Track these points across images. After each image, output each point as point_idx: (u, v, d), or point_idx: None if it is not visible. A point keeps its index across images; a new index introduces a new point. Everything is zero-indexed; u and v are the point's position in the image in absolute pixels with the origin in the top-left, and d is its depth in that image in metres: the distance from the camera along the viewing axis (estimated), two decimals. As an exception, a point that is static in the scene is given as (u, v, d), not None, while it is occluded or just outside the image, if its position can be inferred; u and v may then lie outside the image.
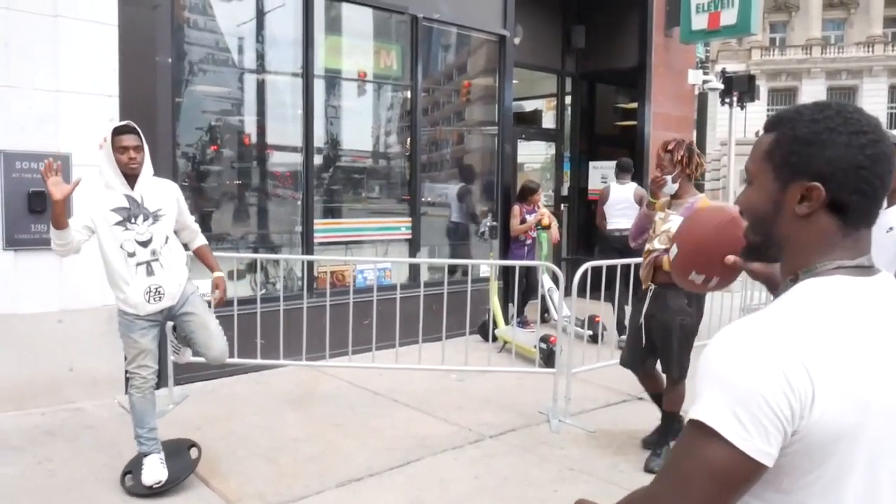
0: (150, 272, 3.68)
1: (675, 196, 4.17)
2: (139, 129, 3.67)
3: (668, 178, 4.09)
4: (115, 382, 5.12)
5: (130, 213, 3.64)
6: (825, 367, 0.98)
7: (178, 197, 3.89)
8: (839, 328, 1.03)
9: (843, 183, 1.07)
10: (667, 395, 4.32)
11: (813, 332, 1.01)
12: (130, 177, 3.64)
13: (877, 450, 1.04)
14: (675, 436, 4.03)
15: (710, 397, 1.00)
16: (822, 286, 1.08)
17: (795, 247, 1.13)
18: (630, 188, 7.60)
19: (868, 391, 1.01)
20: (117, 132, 3.59)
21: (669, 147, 4.12)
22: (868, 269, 1.11)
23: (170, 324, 4.03)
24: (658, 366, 4.39)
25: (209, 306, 4.03)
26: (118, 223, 3.62)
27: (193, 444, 4.00)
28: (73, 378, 4.97)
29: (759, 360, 0.98)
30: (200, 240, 4.12)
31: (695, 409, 1.01)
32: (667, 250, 3.62)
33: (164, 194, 3.79)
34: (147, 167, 3.71)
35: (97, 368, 5.06)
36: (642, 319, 4.24)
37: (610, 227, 7.49)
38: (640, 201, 7.26)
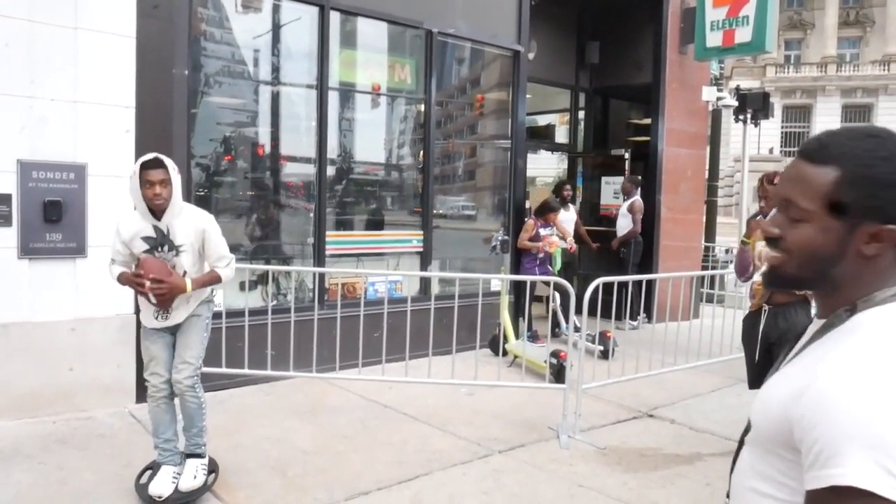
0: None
1: None
2: (167, 163, 3.60)
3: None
4: (127, 391, 5.15)
5: (157, 242, 3.69)
6: None
7: (206, 229, 3.75)
8: None
9: None
10: None
11: None
12: (159, 210, 3.63)
13: None
14: None
15: (851, 456, 0.92)
16: (893, 315, 1.04)
17: (853, 283, 1.09)
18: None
19: None
20: (144, 167, 3.55)
21: (775, 180, 4.19)
22: None
23: None
24: None
25: (205, 329, 3.92)
26: (146, 251, 3.69)
27: (214, 470, 4.00)
28: (85, 386, 5.00)
29: (892, 407, 0.91)
30: (222, 269, 3.80)
31: (834, 472, 0.93)
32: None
33: (190, 228, 3.71)
34: (176, 198, 3.64)
35: (109, 377, 5.09)
36: (760, 339, 4.20)
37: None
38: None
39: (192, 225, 3.74)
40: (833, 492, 0.92)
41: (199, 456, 3.92)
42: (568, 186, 8.97)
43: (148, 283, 3.52)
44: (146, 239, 3.68)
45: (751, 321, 4.31)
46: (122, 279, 3.71)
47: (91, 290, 4.99)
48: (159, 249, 3.70)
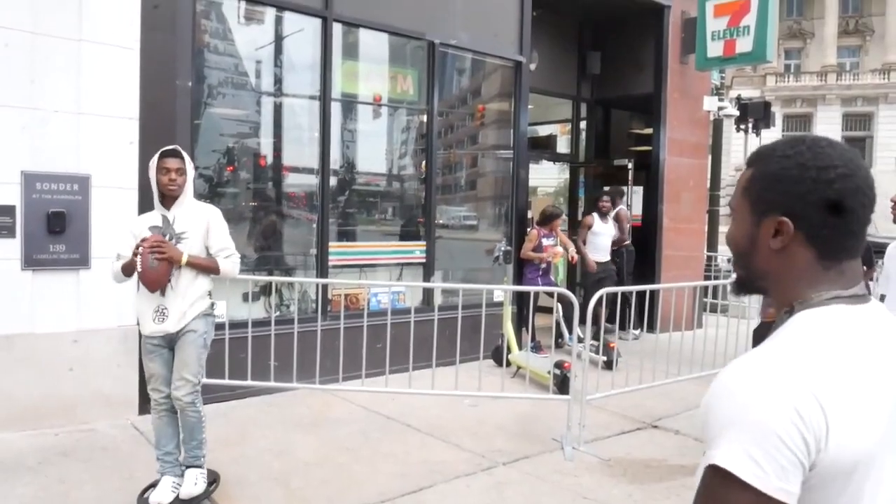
0: (161, 292, 3.73)
1: None
2: (184, 154, 3.82)
3: None
4: (130, 402, 5.14)
5: (161, 232, 3.76)
6: (836, 398, 0.98)
7: (210, 220, 3.85)
8: (844, 358, 1.03)
9: (811, 218, 1.09)
10: None
11: (820, 363, 1.01)
12: (170, 198, 3.78)
13: (879, 478, 1.04)
14: None
15: (722, 440, 0.98)
16: (821, 317, 1.08)
17: (778, 280, 1.15)
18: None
19: (876, 419, 1.02)
20: (163, 155, 3.76)
21: None
22: (862, 298, 1.12)
23: None
24: None
25: (203, 345, 3.90)
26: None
27: (215, 480, 4.03)
28: (88, 398, 4.98)
29: (768, 397, 0.97)
30: (223, 260, 3.86)
31: (709, 454, 1.00)
32: None
33: (195, 218, 3.82)
34: (188, 189, 3.82)
35: (111, 388, 5.08)
36: None
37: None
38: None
39: (196, 214, 3.84)
40: (709, 470, 1.00)
41: (198, 467, 3.93)
42: (606, 198, 8.61)
43: (145, 248, 3.61)
44: (152, 228, 3.79)
45: (764, 331, 4.29)
46: (125, 264, 3.75)
47: (94, 301, 4.98)
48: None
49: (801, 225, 1.10)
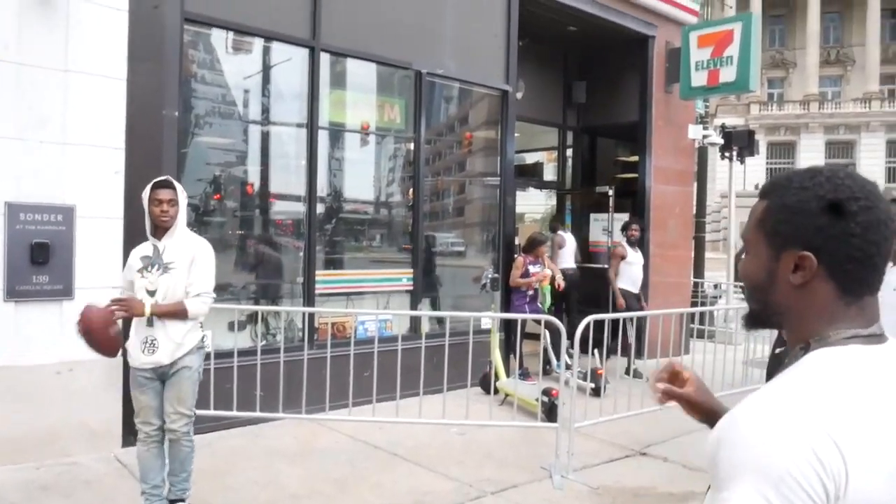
0: (149, 322, 3.72)
1: None
2: (176, 185, 3.83)
3: None
4: (114, 435, 5.07)
5: (150, 262, 3.77)
6: (855, 441, 0.94)
7: (197, 254, 3.81)
8: (863, 400, 0.99)
9: (835, 252, 1.05)
10: None
11: (838, 405, 0.97)
12: (162, 228, 3.79)
13: None
14: None
15: (738, 483, 0.94)
16: (839, 357, 1.04)
17: (797, 316, 1.11)
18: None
19: (893, 467, 0.97)
20: (155, 186, 3.77)
21: None
22: (880, 338, 1.08)
23: None
24: None
25: (197, 380, 3.91)
26: (139, 270, 3.79)
27: None
28: (71, 430, 4.91)
29: (786, 441, 0.93)
30: (191, 301, 3.75)
31: (722, 496, 0.96)
32: None
33: (184, 249, 3.80)
34: (180, 220, 3.82)
35: (95, 421, 5.00)
36: None
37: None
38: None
39: (186, 246, 3.82)
40: None
41: (184, 501, 3.87)
42: (635, 226, 8.38)
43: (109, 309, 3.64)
44: (143, 258, 3.80)
45: (780, 359, 4.20)
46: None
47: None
48: (149, 269, 3.76)
49: (822, 259, 1.06)
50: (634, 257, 8.27)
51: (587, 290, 9.37)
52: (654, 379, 1.55)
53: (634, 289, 8.24)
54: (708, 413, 1.50)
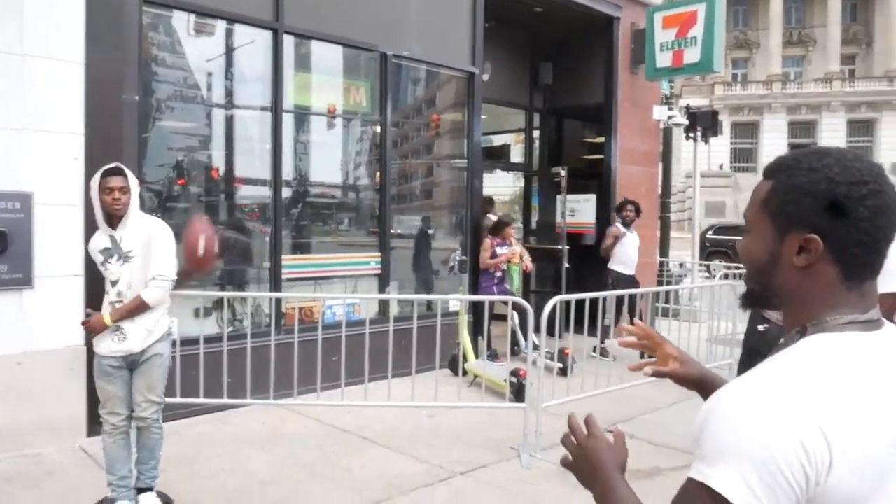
0: (116, 328, 3.68)
1: None
2: (127, 171, 3.74)
3: None
4: (78, 426, 5.00)
5: (110, 253, 3.71)
6: (842, 432, 0.95)
7: (153, 235, 3.72)
8: (855, 389, 0.99)
9: (842, 236, 1.04)
10: None
11: (830, 394, 0.97)
12: (116, 217, 3.70)
13: None
14: None
15: (721, 462, 0.96)
16: (835, 343, 1.05)
17: (797, 299, 1.11)
18: None
19: (883, 455, 0.99)
20: (105, 174, 3.67)
21: None
22: (876, 323, 1.09)
23: None
24: None
25: (167, 367, 3.89)
26: (101, 263, 3.74)
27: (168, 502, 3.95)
28: (33, 422, 4.83)
29: (775, 427, 0.94)
30: (147, 290, 3.69)
31: (703, 471, 0.98)
32: None
33: (140, 235, 3.72)
34: (133, 207, 3.73)
35: (59, 411, 4.93)
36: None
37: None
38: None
39: (142, 231, 3.73)
40: (698, 487, 0.98)
41: (151, 489, 3.86)
42: (630, 206, 8.31)
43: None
44: (102, 251, 3.74)
45: (760, 338, 4.16)
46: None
47: (39, 322, 4.85)
48: (109, 261, 3.71)
49: (829, 242, 1.05)
50: (629, 238, 8.23)
51: (541, 271, 9.45)
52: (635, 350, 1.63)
53: (628, 270, 8.21)
54: (698, 382, 1.53)
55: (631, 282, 8.13)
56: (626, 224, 8.26)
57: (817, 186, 1.05)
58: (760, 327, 4.02)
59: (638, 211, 8.43)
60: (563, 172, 9.05)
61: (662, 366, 1.58)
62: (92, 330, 3.71)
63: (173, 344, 4.00)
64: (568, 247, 8.88)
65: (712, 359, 7.02)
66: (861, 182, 1.04)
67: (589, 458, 1.32)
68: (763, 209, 1.12)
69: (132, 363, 3.74)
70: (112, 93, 5.18)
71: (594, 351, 7.61)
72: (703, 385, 1.51)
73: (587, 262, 9.34)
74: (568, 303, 5.57)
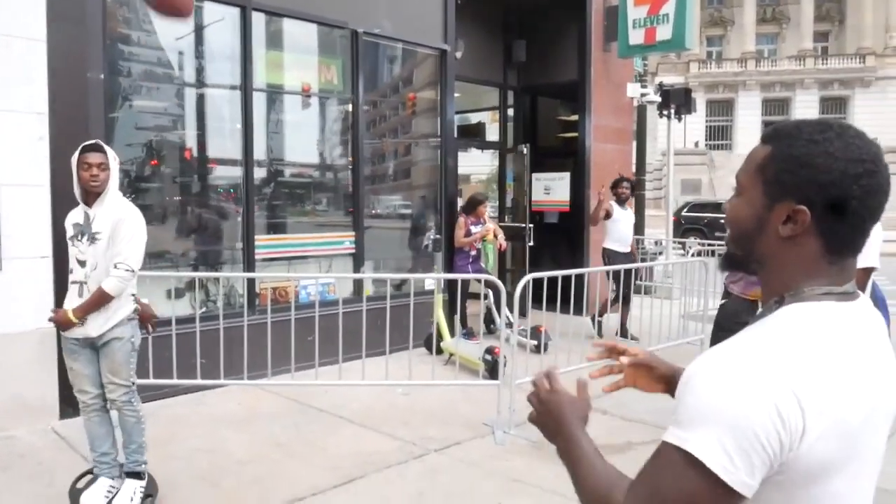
0: (80, 293, 3.64)
1: None
2: (107, 148, 3.68)
3: None
4: (50, 408, 4.96)
5: (80, 230, 3.65)
6: (816, 399, 0.97)
7: (121, 220, 3.63)
8: (829, 359, 1.01)
9: (831, 211, 1.05)
10: None
11: (805, 362, 0.99)
12: (93, 194, 3.64)
13: (852, 486, 1.05)
14: None
15: (698, 426, 0.97)
16: (812, 313, 1.06)
17: (778, 267, 1.11)
18: None
19: (856, 423, 1.01)
20: (84, 149, 3.63)
21: None
22: (852, 295, 1.10)
23: None
24: None
25: (131, 350, 3.78)
26: (70, 238, 3.69)
27: (151, 494, 3.89)
28: (5, 404, 4.78)
29: (751, 393, 0.95)
30: (108, 280, 3.58)
31: (680, 435, 0.99)
32: None
33: (110, 217, 3.63)
34: (111, 186, 3.67)
35: (30, 393, 4.89)
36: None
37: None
38: None
39: (112, 214, 3.65)
40: (673, 450, 0.99)
41: (139, 476, 3.82)
42: (626, 184, 8.20)
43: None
44: (74, 225, 3.68)
45: (738, 308, 4.18)
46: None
47: (8, 303, 4.79)
48: (79, 238, 3.65)
49: (815, 216, 1.05)
50: (622, 215, 8.09)
51: (516, 250, 9.45)
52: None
53: (622, 247, 8.08)
54: (669, 384, 1.53)
55: (626, 259, 8.04)
56: (621, 201, 8.16)
57: (815, 159, 1.05)
58: (721, 301, 4.09)
59: (633, 188, 8.39)
60: (525, 150, 9.05)
61: (628, 378, 1.67)
62: (58, 326, 3.69)
63: (143, 326, 3.94)
64: (531, 224, 8.90)
65: (685, 334, 7.11)
66: (859, 160, 1.04)
67: (552, 413, 1.34)
68: (757, 174, 1.11)
69: (92, 344, 3.70)
70: (76, 71, 5.08)
71: (593, 325, 7.81)
72: (675, 383, 1.53)
73: (560, 239, 9.41)
74: (540, 280, 5.60)
